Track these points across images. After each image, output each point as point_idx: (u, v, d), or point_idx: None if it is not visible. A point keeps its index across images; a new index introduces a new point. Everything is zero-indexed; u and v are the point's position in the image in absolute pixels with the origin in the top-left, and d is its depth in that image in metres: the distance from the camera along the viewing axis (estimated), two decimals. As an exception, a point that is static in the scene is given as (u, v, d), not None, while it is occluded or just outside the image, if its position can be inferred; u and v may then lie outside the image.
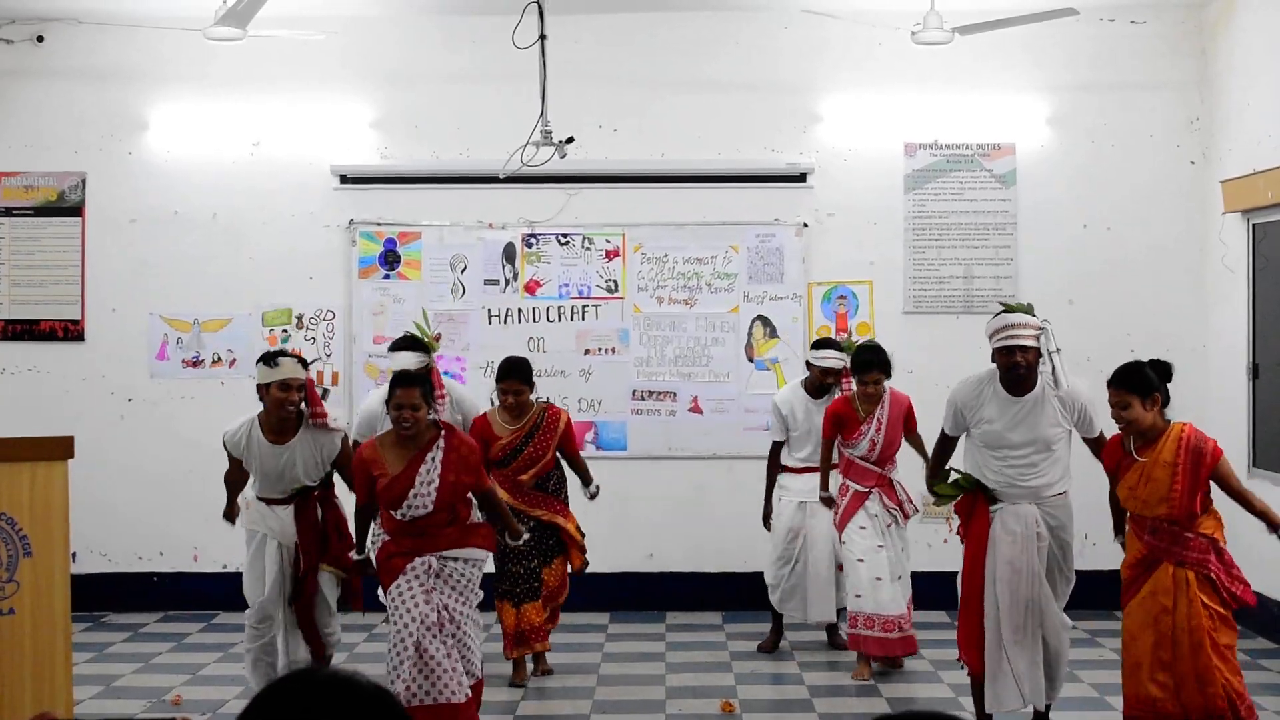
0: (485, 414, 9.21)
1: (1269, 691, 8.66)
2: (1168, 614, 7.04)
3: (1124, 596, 7.25)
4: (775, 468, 9.95)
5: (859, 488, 9.36)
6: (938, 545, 11.40)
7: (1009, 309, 7.66)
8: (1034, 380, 7.56)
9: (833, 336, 10.59)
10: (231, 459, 8.16)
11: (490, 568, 9.13)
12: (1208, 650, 7.03)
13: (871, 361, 9.34)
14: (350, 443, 8.20)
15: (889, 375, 9.41)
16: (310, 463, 8.02)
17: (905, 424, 9.47)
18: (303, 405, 7.99)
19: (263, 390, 7.93)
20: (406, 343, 9.09)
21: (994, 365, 7.64)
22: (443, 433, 7.58)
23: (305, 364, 8.07)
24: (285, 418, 7.93)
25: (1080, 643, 10.06)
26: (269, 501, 8.10)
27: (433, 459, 7.47)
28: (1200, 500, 7.10)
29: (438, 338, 9.32)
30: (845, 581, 9.46)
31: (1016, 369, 7.50)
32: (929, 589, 11.22)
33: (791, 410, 9.81)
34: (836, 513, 9.46)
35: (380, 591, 7.91)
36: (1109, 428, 7.53)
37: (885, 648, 9.26)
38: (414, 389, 7.49)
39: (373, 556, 7.79)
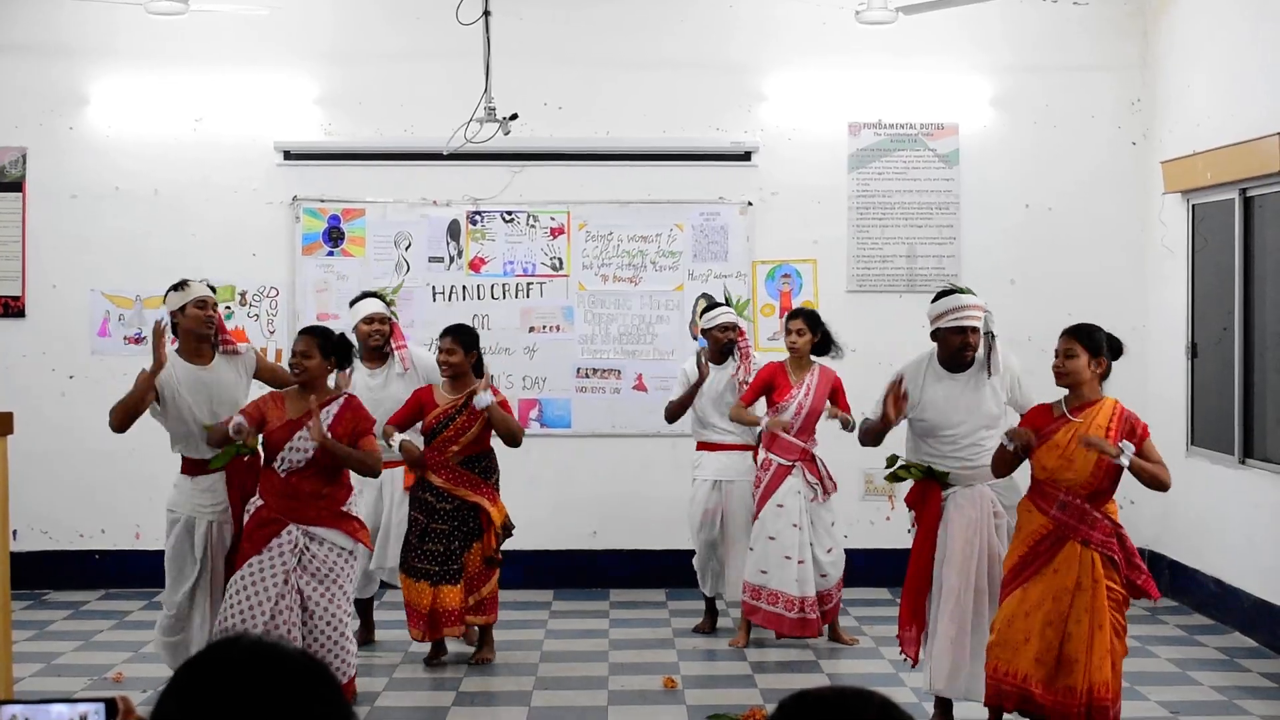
0: (432, 385, 9.17)
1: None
2: (1068, 593, 6.93)
3: (1019, 573, 7.05)
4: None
5: (783, 461, 9.40)
6: (880, 523, 11.48)
7: (958, 290, 7.73)
8: (972, 359, 7.65)
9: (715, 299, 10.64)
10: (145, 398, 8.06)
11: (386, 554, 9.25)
12: (1109, 632, 6.95)
13: (798, 310, 9.71)
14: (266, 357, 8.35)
15: (815, 330, 9.50)
16: (235, 385, 8.10)
17: (833, 399, 9.51)
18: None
19: (178, 314, 8.08)
20: (367, 294, 9.65)
21: (928, 351, 7.74)
22: (343, 398, 7.80)
23: (213, 289, 8.27)
24: (203, 336, 8.04)
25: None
26: (194, 470, 8.01)
27: (326, 414, 7.65)
28: (1115, 479, 7.10)
29: (396, 289, 9.88)
30: (751, 556, 9.47)
31: (966, 349, 7.59)
32: (870, 566, 11.32)
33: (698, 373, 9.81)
34: (758, 488, 9.51)
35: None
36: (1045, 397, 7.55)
37: (776, 623, 9.32)
38: (313, 339, 7.85)
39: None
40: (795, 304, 11.37)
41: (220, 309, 8.32)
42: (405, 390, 9.24)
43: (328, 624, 7.57)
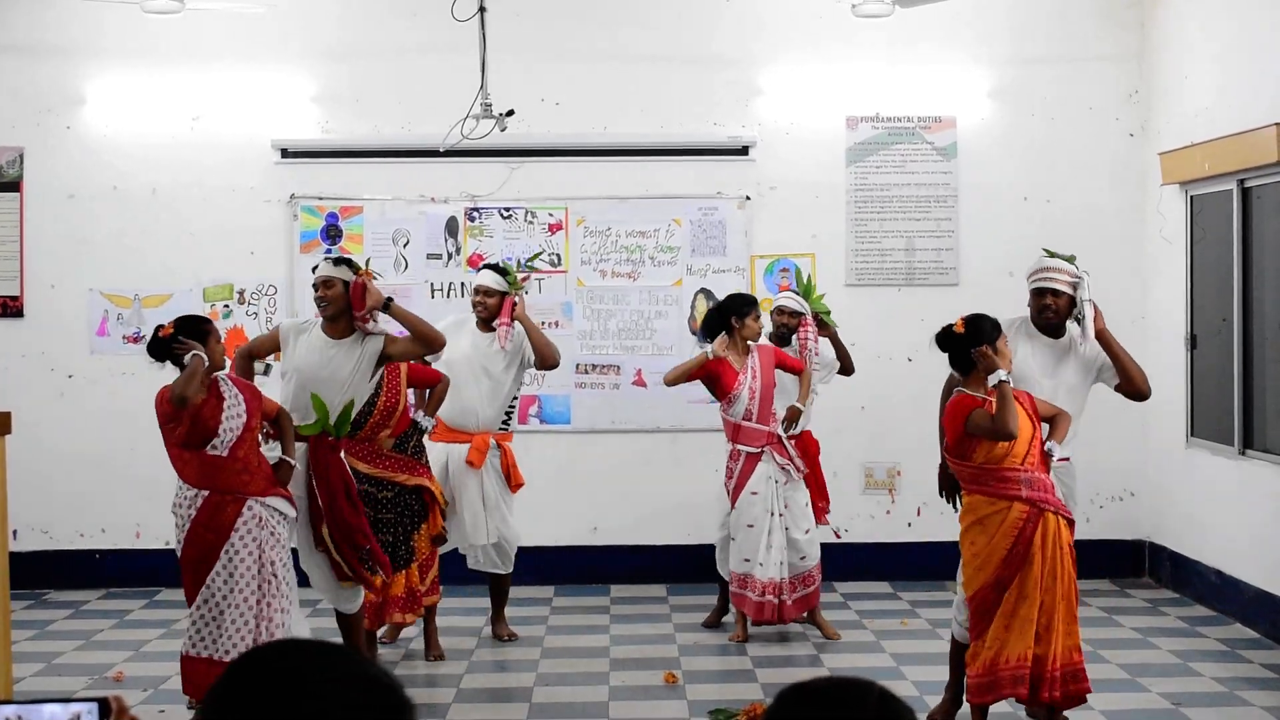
0: None
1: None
2: (1050, 564, 6.93)
3: (1011, 571, 6.95)
4: None
5: (750, 449, 9.40)
6: (880, 516, 11.46)
7: (1050, 254, 7.78)
8: (1064, 329, 7.70)
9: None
10: (265, 344, 8.39)
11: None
12: (1074, 597, 7.03)
13: (754, 299, 9.76)
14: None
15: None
16: (344, 365, 8.02)
17: (783, 365, 9.48)
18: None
19: None
20: (493, 266, 9.60)
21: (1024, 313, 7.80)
22: (231, 380, 7.57)
23: (348, 263, 8.20)
24: (325, 315, 8.11)
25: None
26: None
27: (236, 399, 7.47)
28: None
29: (525, 278, 9.65)
30: (733, 545, 9.48)
31: (1047, 310, 7.63)
32: (871, 560, 11.32)
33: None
34: (730, 479, 9.50)
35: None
36: None
37: (757, 610, 9.34)
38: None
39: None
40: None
41: (372, 282, 8.10)
42: (500, 363, 9.29)
43: (284, 592, 7.53)
